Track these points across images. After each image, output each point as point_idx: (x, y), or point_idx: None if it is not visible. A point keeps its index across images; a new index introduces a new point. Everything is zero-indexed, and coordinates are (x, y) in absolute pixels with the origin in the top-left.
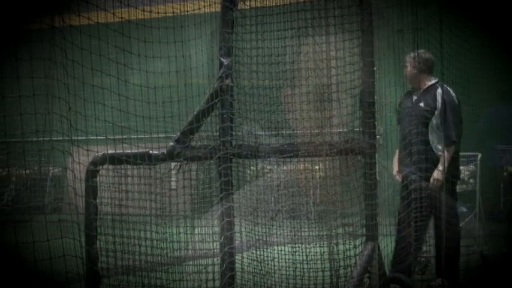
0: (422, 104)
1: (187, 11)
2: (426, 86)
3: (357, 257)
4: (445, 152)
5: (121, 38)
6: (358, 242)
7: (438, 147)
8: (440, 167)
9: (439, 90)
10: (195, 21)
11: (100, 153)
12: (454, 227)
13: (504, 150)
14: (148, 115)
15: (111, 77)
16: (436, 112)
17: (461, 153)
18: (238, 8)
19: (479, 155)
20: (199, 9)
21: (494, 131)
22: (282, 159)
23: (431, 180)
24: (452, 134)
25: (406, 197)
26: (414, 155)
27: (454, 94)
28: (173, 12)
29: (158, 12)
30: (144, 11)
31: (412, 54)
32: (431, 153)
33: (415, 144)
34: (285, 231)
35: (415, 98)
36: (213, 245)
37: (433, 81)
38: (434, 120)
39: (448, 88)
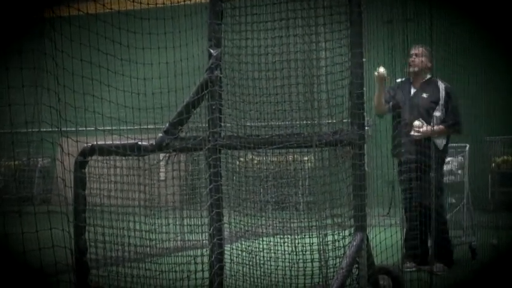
0: (425, 96)
1: (178, 2)
2: (426, 79)
3: (346, 248)
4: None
5: (111, 29)
6: (347, 232)
7: (437, 140)
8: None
9: (442, 84)
10: (186, 12)
11: (89, 144)
12: (440, 216)
13: (492, 141)
14: (138, 106)
15: (100, 68)
16: (440, 103)
17: (449, 144)
18: None
19: (468, 146)
20: (189, 0)
21: (483, 122)
22: (271, 150)
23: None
24: (459, 122)
25: (408, 182)
26: (418, 145)
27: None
28: (163, 3)
29: (148, 4)
30: (133, 1)
31: (425, 47)
32: (432, 144)
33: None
34: (274, 222)
35: (413, 89)
36: (202, 236)
37: (430, 75)
38: (437, 113)
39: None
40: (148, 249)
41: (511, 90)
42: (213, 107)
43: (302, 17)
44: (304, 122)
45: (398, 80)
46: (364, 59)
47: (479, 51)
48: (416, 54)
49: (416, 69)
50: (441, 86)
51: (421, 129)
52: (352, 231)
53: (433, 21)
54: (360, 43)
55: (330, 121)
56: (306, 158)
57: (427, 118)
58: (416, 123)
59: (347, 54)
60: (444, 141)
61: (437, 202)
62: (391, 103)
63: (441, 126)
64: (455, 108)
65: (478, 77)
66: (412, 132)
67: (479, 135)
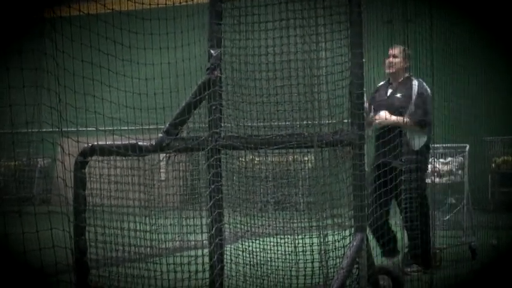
0: (399, 95)
1: (180, 2)
2: (403, 79)
3: (346, 248)
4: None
5: (111, 29)
6: (347, 233)
7: (412, 139)
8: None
9: (415, 81)
10: (188, 12)
11: (89, 145)
12: (423, 216)
13: (492, 141)
14: (139, 106)
15: (101, 69)
16: (411, 100)
17: (449, 145)
18: None
19: (468, 146)
20: (191, 0)
21: (483, 122)
22: (271, 151)
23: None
24: (425, 119)
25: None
26: (390, 144)
27: (427, 86)
28: (165, 3)
29: (150, 4)
30: (135, 2)
31: (402, 47)
32: (405, 143)
33: (391, 133)
34: (274, 222)
35: (390, 90)
36: (202, 237)
37: (408, 74)
38: (409, 109)
39: (422, 81)
40: (148, 249)
41: (511, 90)
42: (214, 107)
43: (302, 17)
44: (305, 122)
45: (380, 84)
46: (364, 59)
47: (479, 51)
48: (394, 55)
49: (393, 70)
50: (414, 83)
51: (385, 118)
52: (352, 232)
53: (433, 22)
54: (360, 43)
55: (330, 121)
56: (306, 158)
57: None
58: (381, 113)
59: (347, 54)
60: (420, 142)
61: (421, 206)
62: (372, 107)
63: (406, 119)
64: (424, 104)
65: (478, 77)
66: (376, 121)
67: (479, 135)
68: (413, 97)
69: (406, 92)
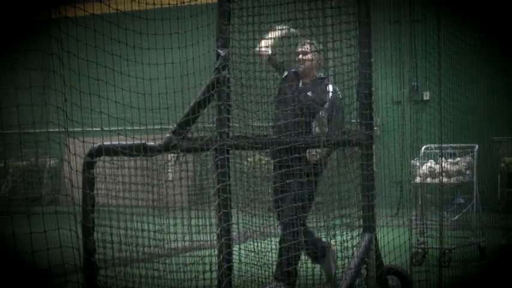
0: (311, 95)
1: (184, 2)
2: (315, 77)
3: (355, 248)
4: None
5: (117, 30)
6: (355, 233)
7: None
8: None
9: (331, 86)
10: (192, 12)
11: (96, 145)
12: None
13: (501, 141)
14: (145, 107)
15: (107, 69)
16: (326, 105)
17: (458, 145)
18: None
19: (476, 146)
20: (195, 0)
21: (492, 122)
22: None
23: (309, 154)
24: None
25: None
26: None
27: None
28: (169, 4)
29: (154, 4)
30: (139, 2)
31: (313, 42)
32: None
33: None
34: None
35: (301, 85)
36: (210, 237)
37: (321, 75)
38: (322, 113)
39: (336, 87)
40: (156, 249)
41: None
42: (221, 107)
43: (310, 18)
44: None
45: (287, 73)
46: (372, 59)
47: (488, 51)
48: (303, 52)
49: (302, 68)
50: (330, 87)
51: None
52: (360, 232)
53: (440, 22)
54: (369, 43)
55: None
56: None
57: (308, 118)
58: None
59: (355, 54)
60: None
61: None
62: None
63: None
64: (341, 117)
65: (486, 76)
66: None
67: (488, 135)
68: (328, 103)
69: (320, 96)
